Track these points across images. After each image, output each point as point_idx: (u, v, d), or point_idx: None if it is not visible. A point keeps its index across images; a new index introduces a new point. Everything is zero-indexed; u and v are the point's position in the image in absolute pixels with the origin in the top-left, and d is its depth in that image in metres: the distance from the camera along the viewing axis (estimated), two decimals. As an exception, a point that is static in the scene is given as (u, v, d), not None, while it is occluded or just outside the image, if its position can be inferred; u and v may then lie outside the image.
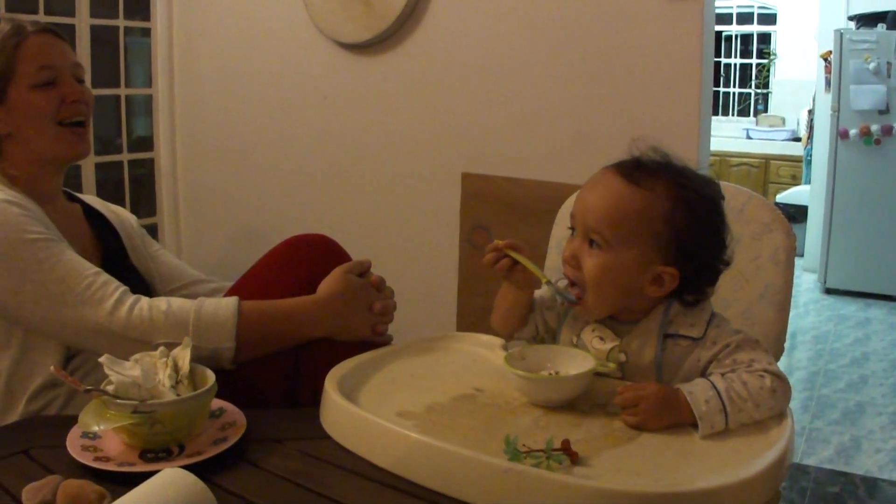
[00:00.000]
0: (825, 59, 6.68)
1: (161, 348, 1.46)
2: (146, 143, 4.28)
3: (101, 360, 1.39)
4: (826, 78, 6.68)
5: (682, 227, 1.41)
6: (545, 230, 2.15)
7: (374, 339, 1.76)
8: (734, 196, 1.93)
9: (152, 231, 4.02)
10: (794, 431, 1.34)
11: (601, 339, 1.49)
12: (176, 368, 1.42)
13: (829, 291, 6.51)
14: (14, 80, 1.79)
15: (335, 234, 1.92)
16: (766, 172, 8.24)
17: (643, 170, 1.44)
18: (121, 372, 1.37)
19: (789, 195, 7.49)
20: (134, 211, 2.56)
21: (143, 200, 4.23)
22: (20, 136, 1.82)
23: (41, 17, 3.70)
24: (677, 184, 1.43)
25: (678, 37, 2.90)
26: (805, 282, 6.76)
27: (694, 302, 1.47)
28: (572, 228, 1.50)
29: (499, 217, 3.24)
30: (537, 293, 1.61)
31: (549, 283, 1.51)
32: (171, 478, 1.08)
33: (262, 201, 4.02)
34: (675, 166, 1.47)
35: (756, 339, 1.45)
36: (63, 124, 1.84)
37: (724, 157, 8.20)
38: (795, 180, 8.04)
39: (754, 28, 8.87)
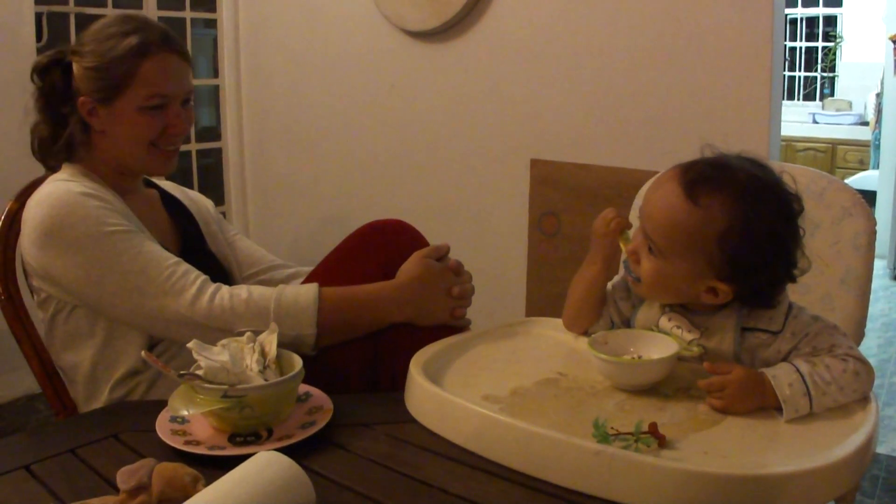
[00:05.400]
0: (894, 42, 6.56)
1: (248, 333, 1.48)
2: (211, 132, 4.33)
3: (190, 345, 1.40)
4: (895, 61, 6.56)
5: (735, 250, 1.38)
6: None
7: (453, 324, 1.77)
8: (814, 180, 1.91)
9: (221, 220, 4.07)
10: (878, 416, 1.32)
11: (678, 327, 1.49)
12: (263, 353, 1.44)
13: (898, 278, 6.38)
14: (125, 95, 1.79)
15: (403, 221, 1.94)
16: (832, 157, 8.09)
17: (705, 184, 1.40)
18: (209, 357, 1.38)
19: (857, 180, 7.33)
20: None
21: (211, 189, 4.28)
22: (112, 139, 1.83)
23: (108, 10, 3.76)
24: (739, 202, 1.38)
25: (748, 20, 2.87)
26: (874, 268, 6.61)
27: (759, 306, 1.45)
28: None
29: (568, 203, 3.24)
30: (609, 284, 1.61)
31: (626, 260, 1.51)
32: (267, 461, 1.08)
33: (330, 190, 4.04)
34: (745, 179, 1.40)
35: (834, 324, 1.44)
36: (156, 146, 1.86)
37: (790, 141, 8.06)
38: (863, 165, 7.89)
39: (820, 10, 8.72)
